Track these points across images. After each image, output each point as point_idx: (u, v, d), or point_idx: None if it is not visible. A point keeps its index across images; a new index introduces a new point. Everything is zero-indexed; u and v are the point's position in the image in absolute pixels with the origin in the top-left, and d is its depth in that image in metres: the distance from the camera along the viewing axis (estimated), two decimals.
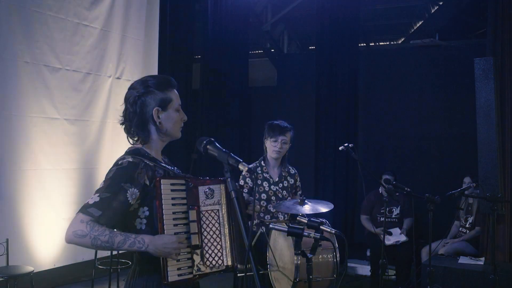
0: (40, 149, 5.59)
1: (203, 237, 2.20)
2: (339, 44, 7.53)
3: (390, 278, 6.45)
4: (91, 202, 2.07)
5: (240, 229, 2.09)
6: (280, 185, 4.13)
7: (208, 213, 2.23)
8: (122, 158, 2.22)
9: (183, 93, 7.64)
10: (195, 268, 2.17)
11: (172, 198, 2.15)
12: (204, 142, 2.23)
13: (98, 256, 5.69)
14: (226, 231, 2.25)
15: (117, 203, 2.09)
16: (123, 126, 2.34)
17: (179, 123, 2.35)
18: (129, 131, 2.32)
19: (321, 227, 2.68)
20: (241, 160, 2.10)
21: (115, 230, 2.09)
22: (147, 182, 2.17)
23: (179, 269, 2.12)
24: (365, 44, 8.73)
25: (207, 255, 2.20)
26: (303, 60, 8.87)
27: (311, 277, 2.76)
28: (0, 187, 5.25)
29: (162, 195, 2.12)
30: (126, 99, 2.31)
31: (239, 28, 8.20)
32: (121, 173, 2.15)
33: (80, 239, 2.02)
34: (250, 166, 4.12)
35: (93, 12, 6.14)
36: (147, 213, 2.18)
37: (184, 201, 2.18)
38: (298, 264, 3.38)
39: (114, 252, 5.55)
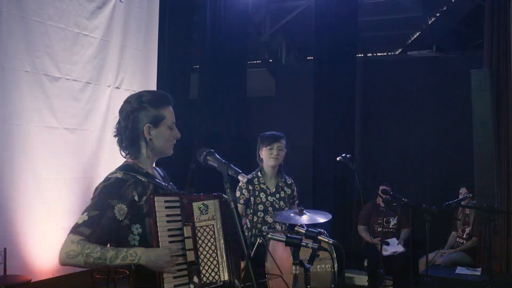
0: (39, 158, 5.59)
1: (199, 253, 2.20)
2: (337, 54, 7.56)
3: None
4: (80, 221, 2.09)
5: (239, 240, 2.11)
6: (277, 195, 4.15)
7: (203, 228, 2.23)
8: (111, 173, 2.24)
9: (181, 103, 7.69)
10: (192, 285, 2.17)
11: (167, 215, 2.16)
12: (204, 153, 2.26)
13: None
14: (222, 246, 2.26)
15: (105, 220, 2.10)
16: (116, 139, 2.36)
17: (171, 140, 2.36)
18: (121, 144, 2.34)
19: (319, 237, 2.71)
20: (241, 171, 2.12)
21: (107, 246, 2.10)
22: (136, 198, 2.17)
23: (176, 286, 2.13)
24: (362, 55, 8.79)
25: (204, 271, 2.20)
26: (301, 70, 8.91)
27: (309, 287, 2.78)
28: None
29: (156, 212, 2.13)
30: (120, 112, 2.34)
31: (238, 39, 8.23)
32: (107, 190, 2.17)
33: (73, 259, 2.04)
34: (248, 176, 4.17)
35: (93, 22, 6.18)
36: (139, 230, 2.18)
37: (179, 218, 2.19)
38: (297, 273, 3.40)
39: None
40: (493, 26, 5.74)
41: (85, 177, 6.08)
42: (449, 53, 7.84)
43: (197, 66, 8.47)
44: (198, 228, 2.22)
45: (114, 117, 6.60)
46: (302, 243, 2.65)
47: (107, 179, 2.21)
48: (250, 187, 4.09)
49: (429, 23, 8.20)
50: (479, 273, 5.32)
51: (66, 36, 5.86)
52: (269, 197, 4.12)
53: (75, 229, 2.07)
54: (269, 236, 2.89)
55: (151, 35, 7.04)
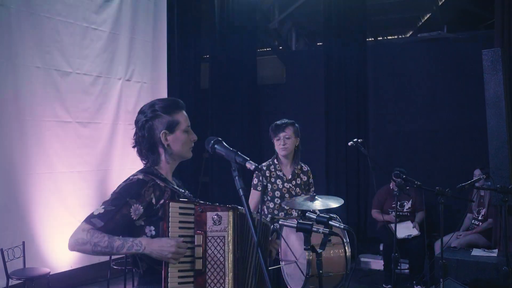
0: (53, 152, 5.67)
1: (207, 262, 2.24)
2: (346, 39, 7.53)
3: (404, 272, 6.46)
4: (95, 213, 2.17)
5: (248, 226, 2.13)
6: (293, 182, 4.17)
7: (214, 239, 2.25)
8: (134, 175, 2.31)
9: (192, 93, 7.73)
10: None
11: (180, 222, 2.20)
12: (212, 141, 2.27)
13: (113, 258, 5.76)
14: (230, 258, 2.26)
15: (119, 216, 2.17)
16: (135, 149, 2.42)
17: (189, 143, 2.41)
18: (141, 154, 2.40)
19: (330, 222, 2.71)
20: (248, 159, 2.13)
21: (114, 236, 2.16)
22: (153, 201, 2.24)
23: None
24: (373, 39, 8.72)
25: (209, 281, 2.23)
26: (311, 56, 8.87)
27: (321, 271, 2.79)
28: (16, 191, 5.33)
29: (170, 218, 2.17)
30: (136, 123, 2.40)
31: (247, 27, 8.23)
32: (128, 188, 2.23)
33: (81, 246, 2.13)
34: (263, 164, 4.19)
35: (102, 15, 6.21)
36: (153, 232, 2.25)
37: (192, 225, 2.23)
38: (310, 259, 3.42)
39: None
40: (504, 5, 5.66)
41: (98, 169, 6.15)
42: (460, 34, 7.74)
43: (207, 56, 8.48)
44: (209, 238, 2.25)
45: (125, 110, 6.71)
46: (313, 229, 2.66)
47: (129, 179, 2.28)
48: (267, 174, 4.12)
49: (440, 4, 8.10)
50: (495, 255, 5.29)
51: (75, 31, 5.90)
52: (285, 184, 4.13)
53: (89, 219, 2.15)
54: (280, 222, 2.90)
55: (160, 26, 7.06)
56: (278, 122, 4.18)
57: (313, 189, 4.30)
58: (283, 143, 4.09)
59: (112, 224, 2.15)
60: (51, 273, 4.96)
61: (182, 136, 2.37)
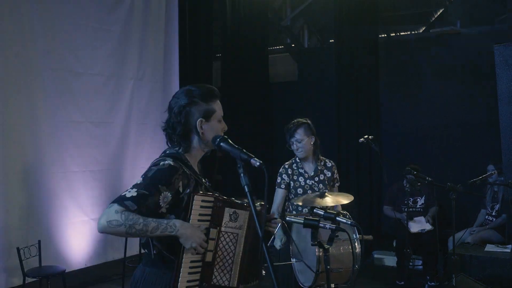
0: (67, 152, 5.75)
1: (217, 256, 2.27)
2: (359, 35, 7.50)
3: (417, 268, 6.44)
4: (128, 195, 2.14)
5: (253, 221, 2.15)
6: (316, 178, 4.17)
7: (227, 234, 2.28)
8: (163, 159, 2.28)
9: None
10: (202, 283, 2.24)
11: (199, 214, 2.22)
12: (218, 139, 2.29)
13: (127, 255, 5.82)
14: (240, 254, 2.31)
15: (151, 202, 2.16)
16: (165, 133, 2.41)
17: (220, 133, 2.40)
18: (171, 139, 2.39)
19: (337, 218, 2.72)
20: (253, 156, 2.15)
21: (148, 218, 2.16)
22: (180, 189, 2.24)
23: (188, 281, 2.20)
24: (385, 35, 8.67)
25: (216, 274, 2.27)
26: (323, 53, 8.85)
27: (329, 267, 2.80)
28: (30, 190, 5.42)
29: (192, 210, 2.20)
30: (171, 109, 2.37)
31: (258, 25, 8.23)
32: (160, 174, 2.21)
33: (115, 229, 2.09)
34: (286, 163, 4.20)
35: (113, 16, 6.27)
36: None
37: (208, 218, 2.24)
38: (320, 255, 3.43)
39: (143, 251, 5.66)
40: None
41: (111, 169, 6.21)
42: (473, 29, 7.67)
43: (219, 55, 8.50)
44: (223, 233, 2.28)
45: (137, 110, 6.75)
46: (320, 225, 2.67)
47: (160, 163, 2.24)
48: (290, 172, 4.14)
49: None
50: (508, 250, 5.24)
51: (87, 32, 5.96)
52: (307, 181, 4.15)
53: (122, 201, 2.12)
54: (287, 218, 2.92)
55: (171, 26, 7.09)
56: (289, 125, 4.19)
57: (338, 184, 4.31)
58: (296, 147, 4.11)
59: (143, 209, 2.14)
60: (66, 271, 5.03)
61: (216, 125, 2.38)
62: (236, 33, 8.08)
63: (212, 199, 2.25)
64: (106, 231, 2.11)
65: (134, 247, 6.12)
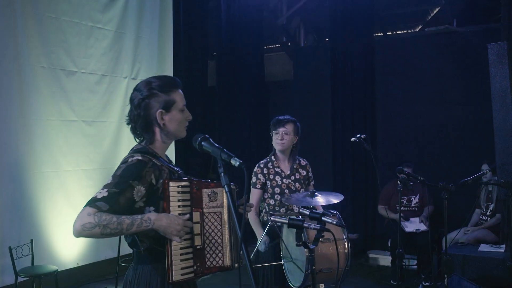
0: (59, 151, 5.73)
1: (205, 238, 2.28)
2: (354, 34, 7.49)
3: (412, 268, 6.43)
4: (99, 196, 2.15)
5: (234, 224, 2.15)
6: (292, 177, 4.16)
7: (210, 215, 2.30)
8: (131, 156, 2.29)
9: (199, 91, 7.73)
10: (197, 267, 2.25)
11: (178, 200, 2.23)
12: (199, 139, 2.28)
13: (121, 254, 5.80)
14: (227, 233, 2.32)
15: (123, 199, 2.16)
16: (129, 127, 2.41)
17: (184, 123, 2.41)
18: (135, 132, 2.39)
19: (322, 218, 2.70)
20: (233, 155, 2.14)
21: (121, 216, 2.15)
22: (153, 181, 2.24)
23: (182, 268, 2.21)
24: (381, 34, 8.65)
25: (208, 255, 2.28)
26: (319, 52, 8.82)
27: (314, 267, 2.79)
28: (23, 189, 5.40)
29: (170, 197, 2.21)
30: (131, 101, 2.38)
31: (254, 23, 8.21)
32: (130, 170, 2.21)
33: (90, 231, 2.10)
34: (260, 162, 4.18)
35: (107, 14, 6.24)
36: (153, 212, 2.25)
37: (188, 203, 2.26)
38: (308, 256, 3.41)
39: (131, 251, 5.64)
40: None
41: (104, 168, 6.19)
42: (469, 27, 7.64)
43: (214, 53, 8.48)
44: (206, 214, 2.29)
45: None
46: (305, 225, 2.65)
47: (129, 160, 2.25)
48: (265, 171, 4.11)
49: None
50: (502, 250, 5.23)
51: (81, 30, 5.94)
52: (284, 180, 4.13)
53: (93, 203, 2.12)
54: (271, 219, 2.90)
55: (166, 24, 7.06)
56: (280, 117, 4.18)
57: (313, 182, 4.29)
58: (281, 137, 4.08)
59: (117, 206, 2.14)
60: (58, 270, 5.01)
61: (178, 115, 2.36)
62: (231, 32, 8.06)
63: (187, 183, 2.27)
64: (82, 235, 2.12)
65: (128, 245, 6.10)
